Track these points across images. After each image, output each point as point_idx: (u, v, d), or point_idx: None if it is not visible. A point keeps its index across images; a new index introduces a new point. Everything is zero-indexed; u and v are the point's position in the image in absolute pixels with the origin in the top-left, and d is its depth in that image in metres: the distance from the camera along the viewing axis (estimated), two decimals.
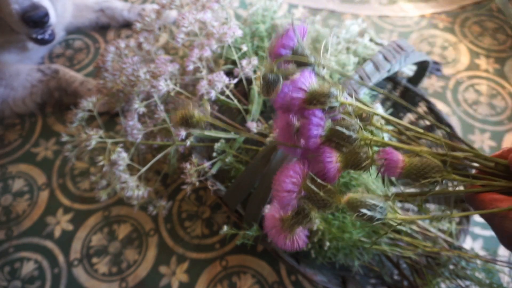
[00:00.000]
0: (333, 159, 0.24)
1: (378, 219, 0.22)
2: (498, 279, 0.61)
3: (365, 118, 0.26)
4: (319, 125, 0.24)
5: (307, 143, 0.25)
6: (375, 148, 0.25)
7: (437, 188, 0.24)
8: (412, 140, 0.27)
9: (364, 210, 0.22)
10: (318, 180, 0.24)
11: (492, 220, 0.26)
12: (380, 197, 0.23)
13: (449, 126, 0.66)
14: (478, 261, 0.52)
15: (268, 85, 0.27)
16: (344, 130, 0.24)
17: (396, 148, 0.25)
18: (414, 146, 0.26)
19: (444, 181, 0.24)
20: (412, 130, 0.27)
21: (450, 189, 0.25)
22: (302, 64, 0.27)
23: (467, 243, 0.67)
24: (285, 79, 0.27)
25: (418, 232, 0.56)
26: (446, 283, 0.53)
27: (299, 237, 0.25)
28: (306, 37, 0.28)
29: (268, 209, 0.26)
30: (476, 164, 0.27)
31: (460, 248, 0.55)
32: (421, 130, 0.27)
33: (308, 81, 0.25)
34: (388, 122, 0.27)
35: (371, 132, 0.26)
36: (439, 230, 0.58)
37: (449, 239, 0.56)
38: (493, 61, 0.91)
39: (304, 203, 0.24)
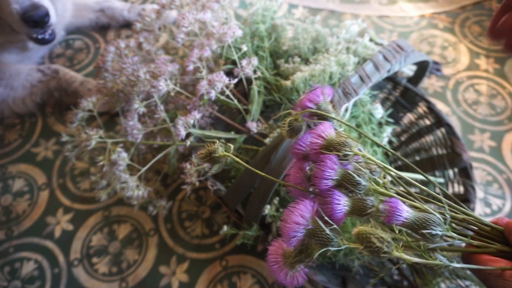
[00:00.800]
0: (341, 202, 0.26)
1: (385, 252, 0.24)
2: None
3: (373, 172, 0.29)
4: (333, 168, 0.27)
5: (319, 184, 0.27)
6: (381, 198, 0.27)
7: (436, 243, 0.27)
8: (416, 199, 0.29)
9: (373, 240, 0.24)
10: (326, 218, 0.26)
11: (487, 281, 0.27)
12: (387, 234, 0.24)
13: (449, 126, 0.66)
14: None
15: (292, 131, 0.31)
16: (355, 176, 0.26)
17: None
18: (418, 202, 0.28)
19: (443, 237, 0.27)
20: (418, 187, 0.30)
21: (447, 245, 0.28)
22: (323, 119, 0.31)
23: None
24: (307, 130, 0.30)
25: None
26: (446, 283, 0.53)
27: (299, 274, 0.26)
28: (330, 97, 0.32)
29: (272, 243, 0.28)
30: (474, 227, 0.29)
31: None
32: (430, 191, 0.30)
33: (327, 130, 0.28)
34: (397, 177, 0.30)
35: (379, 184, 0.28)
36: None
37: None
38: (493, 61, 0.91)
39: (309, 238, 0.26)
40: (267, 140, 0.56)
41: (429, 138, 0.70)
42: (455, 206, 0.29)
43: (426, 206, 0.27)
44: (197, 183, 0.58)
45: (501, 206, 0.72)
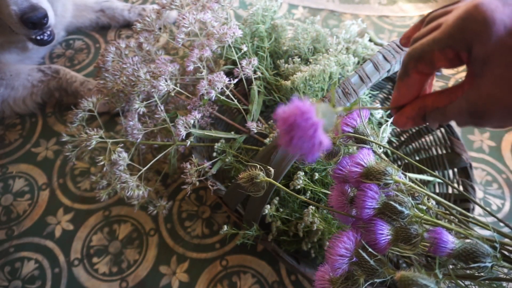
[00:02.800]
0: (384, 231, 0.26)
1: None
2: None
3: (416, 197, 0.28)
4: (374, 198, 0.27)
5: (361, 214, 0.27)
6: (426, 227, 0.27)
7: (485, 273, 0.25)
8: (462, 223, 0.28)
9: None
10: (370, 249, 0.26)
11: None
12: (430, 277, 0.24)
13: (449, 126, 0.66)
14: None
15: (330, 155, 0.31)
16: (397, 206, 0.26)
17: (446, 228, 0.27)
18: (463, 228, 0.27)
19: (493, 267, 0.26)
20: (461, 212, 0.29)
21: (500, 275, 0.26)
22: (361, 141, 0.30)
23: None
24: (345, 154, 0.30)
25: None
26: (446, 283, 0.53)
27: None
28: (365, 120, 0.31)
29: (319, 270, 0.28)
30: None
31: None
32: (471, 215, 0.29)
33: (366, 158, 0.28)
34: (438, 203, 0.29)
35: (422, 211, 0.27)
36: None
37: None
38: None
39: (354, 270, 0.26)
40: (267, 140, 0.56)
41: (428, 138, 0.70)
42: (503, 232, 0.28)
43: (474, 233, 0.26)
44: (197, 183, 0.58)
45: (500, 206, 0.72)
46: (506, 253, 0.27)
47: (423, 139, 0.72)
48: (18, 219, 0.74)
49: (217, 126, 0.68)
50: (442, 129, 0.67)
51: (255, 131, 0.59)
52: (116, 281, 0.66)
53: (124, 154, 0.59)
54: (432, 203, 0.28)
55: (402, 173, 0.29)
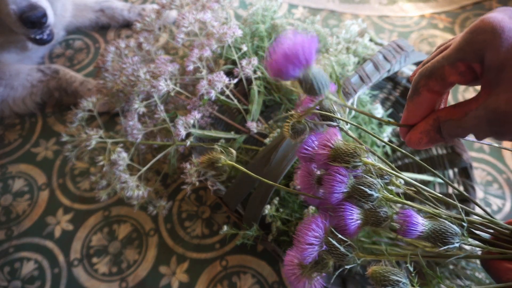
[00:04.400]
0: (354, 216, 0.25)
1: None
2: None
3: (385, 177, 0.27)
4: (342, 182, 0.26)
5: (329, 199, 0.26)
6: (395, 208, 0.26)
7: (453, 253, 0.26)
8: (430, 201, 0.28)
9: (387, 283, 0.23)
10: (339, 236, 0.25)
11: None
12: (401, 273, 0.24)
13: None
14: (478, 261, 0.52)
15: (296, 134, 0.29)
16: (366, 189, 0.25)
17: (415, 209, 0.27)
18: (432, 208, 0.27)
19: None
20: (431, 192, 0.28)
21: (465, 252, 0.26)
22: (327, 118, 0.29)
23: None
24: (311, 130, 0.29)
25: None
26: (446, 283, 0.53)
27: (317, 283, 0.26)
28: (334, 89, 0.29)
29: (287, 255, 0.28)
30: (491, 231, 0.27)
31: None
32: (440, 195, 0.28)
33: (333, 138, 0.27)
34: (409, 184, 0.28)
35: (392, 192, 0.27)
36: None
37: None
38: None
39: (324, 255, 0.25)
40: (267, 140, 0.56)
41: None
42: (469, 210, 0.28)
43: (443, 212, 0.26)
44: (197, 183, 0.58)
45: (501, 206, 0.72)
46: (473, 230, 0.27)
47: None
48: (18, 219, 0.74)
49: (217, 126, 0.68)
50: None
51: (255, 131, 0.59)
52: (115, 281, 0.66)
53: (124, 154, 0.59)
54: (400, 182, 0.28)
55: (371, 152, 0.28)
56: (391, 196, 0.26)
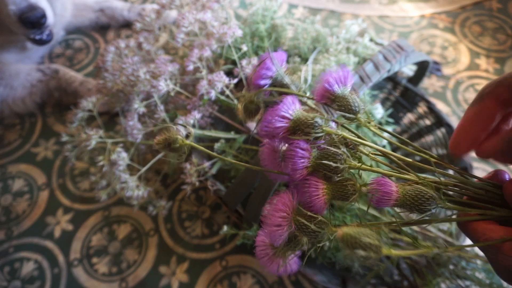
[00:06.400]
0: (319, 191, 0.24)
1: (373, 257, 0.21)
2: (498, 279, 0.61)
3: (351, 147, 0.25)
4: (304, 157, 0.24)
5: (293, 176, 0.24)
6: (366, 178, 0.25)
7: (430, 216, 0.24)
8: (402, 168, 0.26)
9: (359, 251, 0.21)
10: (308, 213, 0.23)
11: (487, 253, 0.24)
12: (374, 234, 0.22)
13: (449, 126, 0.66)
14: (478, 261, 0.53)
15: (250, 115, 0.27)
16: (330, 163, 0.23)
17: (387, 176, 0.25)
18: (404, 173, 0.25)
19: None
20: (401, 158, 0.26)
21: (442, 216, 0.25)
22: (284, 92, 0.26)
23: (467, 243, 0.67)
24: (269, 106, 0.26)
25: (418, 232, 0.56)
26: (446, 283, 0.53)
27: (292, 261, 0.25)
28: (285, 64, 0.27)
29: (259, 235, 0.26)
30: (468, 192, 0.26)
31: (460, 248, 0.55)
32: (410, 160, 0.26)
33: (291, 108, 0.24)
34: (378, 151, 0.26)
35: (360, 159, 0.25)
36: (439, 230, 0.58)
37: (449, 239, 0.56)
38: (493, 61, 0.91)
39: (297, 233, 0.24)
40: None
41: (429, 138, 0.70)
42: (443, 172, 0.26)
43: (416, 176, 0.24)
44: (197, 183, 0.58)
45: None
46: (449, 193, 0.26)
47: (423, 139, 0.71)
48: (18, 219, 0.73)
49: (217, 126, 0.68)
50: (443, 129, 0.67)
51: (255, 131, 0.59)
52: (115, 281, 0.66)
53: (124, 154, 0.59)
54: (368, 150, 0.26)
55: (333, 121, 0.26)
56: (359, 164, 0.24)
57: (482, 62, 0.91)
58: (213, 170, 0.59)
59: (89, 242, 0.70)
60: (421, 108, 0.71)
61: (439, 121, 0.67)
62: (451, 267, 0.53)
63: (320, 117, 0.24)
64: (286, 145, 0.26)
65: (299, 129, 0.24)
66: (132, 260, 0.68)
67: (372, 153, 0.26)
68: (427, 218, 0.24)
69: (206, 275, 0.66)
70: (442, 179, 0.25)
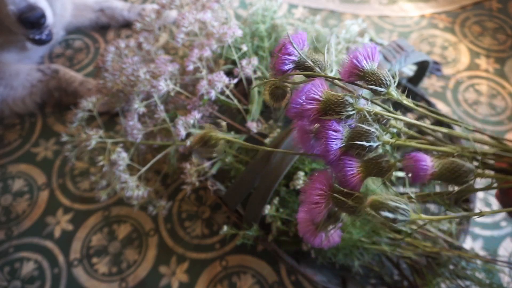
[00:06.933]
0: (354, 170, 0.24)
1: (401, 221, 0.22)
2: (498, 279, 0.61)
3: (383, 122, 0.25)
4: (337, 138, 0.24)
5: (327, 158, 0.24)
6: (396, 156, 0.25)
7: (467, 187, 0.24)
8: (436, 140, 0.26)
9: (386, 213, 0.21)
10: (344, 190, 0.24)
11: None
12: (402, 199, 0.22)
13: (449, 126, 0.66)
14: (478, 261, 0.53)
15: (277, 99, 0.27)
16: (363, 142, 0.23)
17: (422, 150, 0.24)
18: (440, 145, 0.25)
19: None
20: (435, 129, 0.26)
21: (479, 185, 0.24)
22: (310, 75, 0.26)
23: (467, 243, 0.67)
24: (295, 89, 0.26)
25: (418, 232, 0.56)
26: (446, 283, 0.53)
27: (335, 234, 0.25)
28: (306, 43, 0.27)
29: (300, 212, 0.26)
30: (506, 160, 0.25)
31: (460, 248, 0.55)
32: (445, 130, 0.26)
33: (319, 89, 0.24)
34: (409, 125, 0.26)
35: (393, 135, 0.25)
36: (439, 230, 0.58)
37: (449, 239, 0.56)
38: (493, 61, 0.91)
39: (336, 207, 0.24)
40: (267, 140, 0.56)
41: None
42: (481, 141, 0.25)
43: (452, 147, 0.24)
44: (197, 183, 0.58)
45: (501, 206, 0.72)
46: (490, 162, 0.25)
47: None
48: (18, 219, 0.73)
49: (216, 126, 0.67)
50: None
51: (255, 131, 0.59)
52: (115, 281, 0.66)
53: (124, 154, 0.59)
54: (400, 126, 0.25)
55: (363, 98, 0.25)
56: (392, 140, 0.24)
57: (482, 62, 0.91)
58: (213, 170, 0.59)
59: (89, 242, 0.70)
60: (421, 108, 0.71)
61: (439, 121, 0.67)
62: (451, 267, 0.53)
63: (349, 95, 0.24)
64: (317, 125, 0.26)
65: (330, 109, 0.24)
66: (132, 260, 0.68)
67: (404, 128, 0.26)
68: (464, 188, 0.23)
69: (206, 275, 0.66)
70: (478, 149, 0.24)
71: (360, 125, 0.24)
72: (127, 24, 1.03)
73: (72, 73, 0.87)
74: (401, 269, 0.57)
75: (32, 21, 0.72)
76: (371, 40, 0.70)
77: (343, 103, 0.24)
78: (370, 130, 0.24)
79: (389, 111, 0.25)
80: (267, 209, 0.53)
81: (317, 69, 0.26)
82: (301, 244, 0.55)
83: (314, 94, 0.24)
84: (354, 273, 0.59)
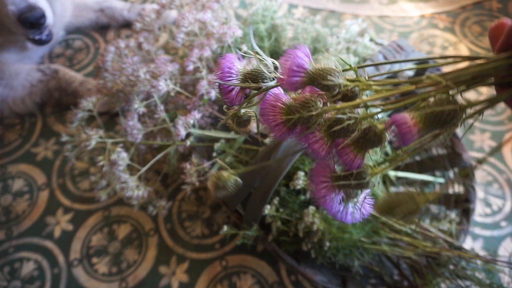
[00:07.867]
0: (349, 153, 0.23)
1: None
2: (498, 279, 0.61)
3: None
4: (318, 140, 0.23)
5: (318, 154, 0.24)
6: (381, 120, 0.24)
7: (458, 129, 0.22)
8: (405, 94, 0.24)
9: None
10: (342, 173, 0.23)
11: None
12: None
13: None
14: (478, 261, 0.53)
15: (242, 123, 0.27)
16: (344, 125, 0.23)
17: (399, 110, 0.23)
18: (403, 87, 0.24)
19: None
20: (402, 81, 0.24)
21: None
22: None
23: (467, 243, 0.67)
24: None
25: (418, 232, 0.56)
26: (446, 283, 0.53)
27: (364, 206, 0.24)
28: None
29: (317, 166, 0.25)
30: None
31: (460, 248, 0.55)
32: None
33: (305, 59, 0.24)
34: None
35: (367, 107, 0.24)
36: (439, 230, 0.58)
37: (449, 239, 0.56)
38: None
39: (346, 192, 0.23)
40: (267, 140, 0.56)
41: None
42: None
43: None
44: (197, 183, 0.58)
45: (501, 206, 0.72)
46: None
47: (422, 139, 0.71)
48: (18, 219, 0.73)
49: (216, 126, 0.68)
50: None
51: (255, 131, 0.59)
52: (115, 281, 0.66)
53: (124, 154, 0.59)
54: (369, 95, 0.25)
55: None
56: (369, 113, 0.24)
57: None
58: (213, 170, 0.59)
59: (89, 242, 0.70)
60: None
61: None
62: (451, 267, 0.53)
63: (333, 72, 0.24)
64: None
65: (315, 80, 0.24)
66: (132, 260, 0.68)
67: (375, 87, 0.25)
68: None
69: (206, 275, 0.66)
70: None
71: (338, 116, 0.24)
72: (127, 24, 1.03)
73: (72, 73, 0.87)
74: (401, 269, 0.57)
75: (32, 21, 0.72)
76: (371, 40, 0.70)
77: (332, 73, 0.24)
78: (349, 117, 0.23)
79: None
80: (267, 209, 0.53)
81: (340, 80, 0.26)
82: (301, 244, 0.55)
83: (295, 66, 0.24)
84: (354, 273, 0.59)
